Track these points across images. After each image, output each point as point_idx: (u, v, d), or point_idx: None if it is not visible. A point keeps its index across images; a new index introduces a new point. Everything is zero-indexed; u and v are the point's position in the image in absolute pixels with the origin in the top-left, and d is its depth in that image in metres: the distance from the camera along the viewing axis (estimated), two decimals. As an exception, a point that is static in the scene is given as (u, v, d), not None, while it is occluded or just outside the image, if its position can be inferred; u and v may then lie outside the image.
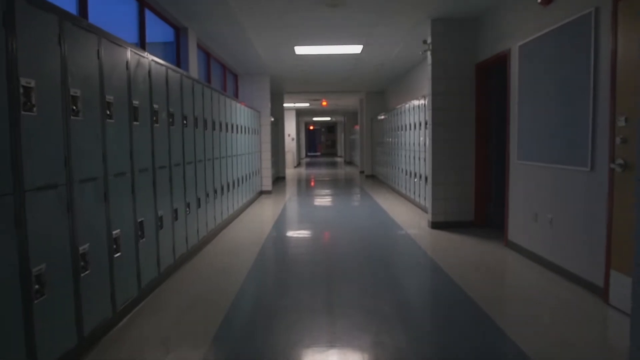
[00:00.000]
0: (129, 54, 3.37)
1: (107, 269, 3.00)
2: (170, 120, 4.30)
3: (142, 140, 3.60)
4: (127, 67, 3.34)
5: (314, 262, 4.87)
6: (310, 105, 19.86)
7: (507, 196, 5.21)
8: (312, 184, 14.41)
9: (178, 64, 6.30)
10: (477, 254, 5.09)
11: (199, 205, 5.23)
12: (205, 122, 5.59)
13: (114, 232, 3.09)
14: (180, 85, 4.64)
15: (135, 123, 3.46)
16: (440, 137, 6.27)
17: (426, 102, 7.37)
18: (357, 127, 19.71)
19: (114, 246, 3.10)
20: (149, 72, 3.77)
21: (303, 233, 6.60)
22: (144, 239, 3.59)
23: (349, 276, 4.36)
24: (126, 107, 3.32)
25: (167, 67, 4.23)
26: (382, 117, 12.90)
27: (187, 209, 4.80)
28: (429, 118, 6.48)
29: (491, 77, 6.08)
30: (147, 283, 3.66)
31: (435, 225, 6.35)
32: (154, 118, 3.87)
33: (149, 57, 3.77)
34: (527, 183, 4.75)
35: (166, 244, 4.15)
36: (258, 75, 10.79)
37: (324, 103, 18.62)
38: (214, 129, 6.03)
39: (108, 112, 3.04)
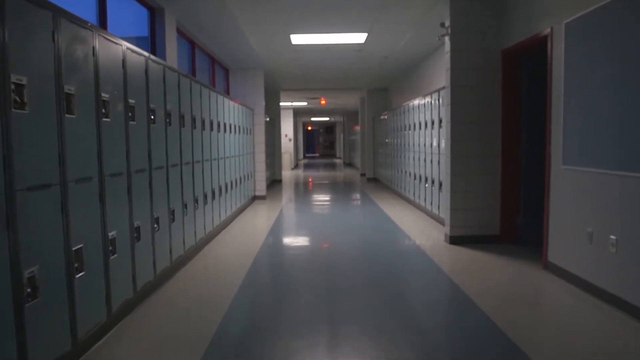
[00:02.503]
0: (57, 21, 2.45)
1: (12, 322, 2.07)
2: (130, 114, 3.37)
3: (80, 139, 2.68)
4: (54, 39, 2.41)
5: (312, 290, 3.95)
6: (308, 104, 18.95)
7: (546, 209, 4.29)
8: (311, 187, 13.50)
9: (153, 52, 5.37)
10: (512, 279, 4.18)
11: (172, 219, 4.31)
12: (182, 118, 4.67)
13: (27, 272, 2.16)
14: (146, 72, 3.71)
15: (68, 116, 2.53)
16: (460, 136, 5.35)
17: (440, 98, 6.47)
18: (358, 128, 18.79)
19: (29, 290, 2.17)
20: (94, 49, 2.85)
21: (300, 249, 5.68)
22: (82, 273, 2.66)
23: (357, 312, 3.43)
24: (52, 94, 2.40)
25: (125, 47, 3.31)
26: (386, 116, 12.00)
27: (156, 225, 3.87)
28: (445, 115, 5.57)
29: (521, 64, 5.16)
30: (88, 331, 2.73)
31: (453, 240, 5.43)
32: (103, 111, 2.94)
33: (93, 30, 2.85)
34: (576, 193, 3.83)
35: (122, 274, 3.22)
36: (251, 70, 9.85)
37: (323, 102, 17.71)
38: (194, 127, 5.10)
39: (17, 100, 2.11)
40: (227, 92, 9.62)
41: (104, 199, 2.94)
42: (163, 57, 5.32)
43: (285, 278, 4.48)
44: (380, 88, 14.09)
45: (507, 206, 5.35)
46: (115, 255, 3.08)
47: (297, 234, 6.75)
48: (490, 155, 5.36)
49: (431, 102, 7.05)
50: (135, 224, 3.44)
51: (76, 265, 2.59)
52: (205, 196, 5.53)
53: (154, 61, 3.91)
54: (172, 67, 4.44)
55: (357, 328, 3.14)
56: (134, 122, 3.44)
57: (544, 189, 4.34)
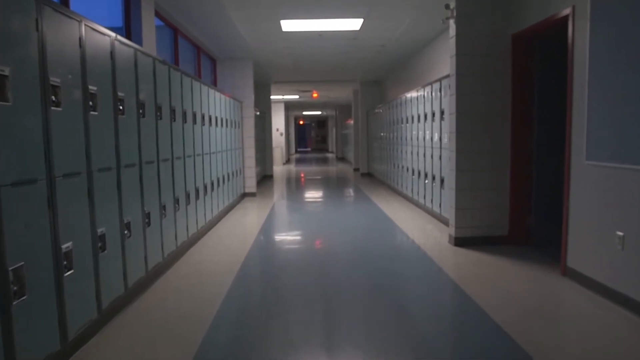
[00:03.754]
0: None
1: None
2: (90, 103, 2.88)
3: (18, 132, 2.18)
4: (-23, 5, 1.92)
5: (306, 302, 3.49)
6: (300, 97, 18.44)
7: (566, 209, 3.86)
8: (303, 183, 13.02)
9: (128, 37, 4.85)
10: (529, 286, 3.76)
11: (148, 224, 3.82)
12: (159, 110, 4.17)
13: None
14: (112, 55, 3.21)
15: (0, 104, 2.04)
16: (465, 129, 4.90)
17: (441, 89, 6.02)
18: (350, 121, 18.31)
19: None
20: (38, 22, 2.34)
21: (292, 253, 5.21)
22: (24, 297, 2.17)
23: (357, 328, 2.98)
24: (-25, 74, 1.91)
25: (84, 25, 2.80)
26: (380, 109, 11.54)
27: (126, 232, 3.38)
28: (449, 106, 5.11)
29: (533, 50, 4.72)
30: (35, 365, 2.25)
31: (459, 241, 5.00)
32: (53, 99, 2.45)
33: None
34: (603, 192, 3.40)
35: (81, 293, 2.73)
36: (240, 60, 9.32)
37: (315, 95, 17.22)
38: (174, 119, 4.60)
39: None
40: (214, 84, 9.09)
41: (54, 204, 2.45)
42: (139, 43, 4.80)
43: (277, 286, 4.01)
44: (375, 80, 13.62)
45: (517, 205, 4.92)
46: (72, 271, 2.59)
47: (290, 234, 6.28)
48: (499, 149, 4.93)
49: (431, 92, 6.59)
50: (99, 231, 2.96)
51: (15, 288, 2.10)
52: (187, 195, 5.04)
53: (122, 43, 3.40)
54: (145, 52, 3.93)
55: (359, 351, 2.69)
56: (96, 113, 2.94)
57: (559, 186, 3.93)
